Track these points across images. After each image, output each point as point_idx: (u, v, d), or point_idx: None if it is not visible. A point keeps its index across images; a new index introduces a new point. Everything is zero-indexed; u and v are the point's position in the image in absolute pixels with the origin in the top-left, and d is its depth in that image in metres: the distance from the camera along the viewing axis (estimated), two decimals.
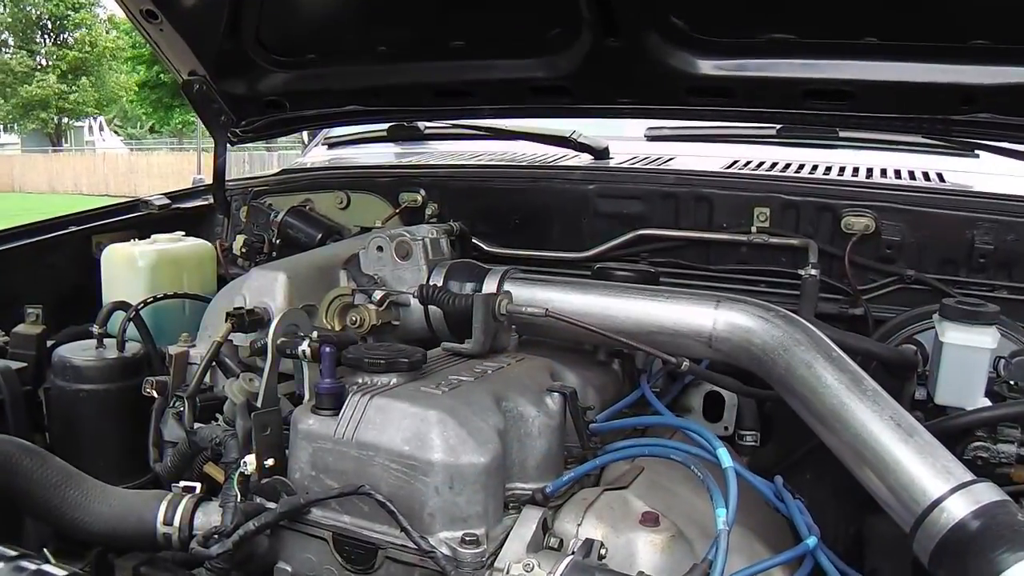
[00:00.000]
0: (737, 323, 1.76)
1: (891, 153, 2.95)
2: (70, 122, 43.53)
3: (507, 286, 1.97)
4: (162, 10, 2.60)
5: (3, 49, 41.16)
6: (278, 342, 1.66)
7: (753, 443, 2.33)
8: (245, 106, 2.97)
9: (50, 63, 40.64)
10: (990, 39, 2.07)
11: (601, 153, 2.94)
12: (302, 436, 1.49)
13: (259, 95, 2.93)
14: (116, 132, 49.96)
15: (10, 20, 40.28)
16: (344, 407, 1.47)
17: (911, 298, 2.34)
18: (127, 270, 2.60)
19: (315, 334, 1.61)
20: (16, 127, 44.51)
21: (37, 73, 40.03)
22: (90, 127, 45.60)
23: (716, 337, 1.78)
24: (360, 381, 1.54)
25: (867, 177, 2.69)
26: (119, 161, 35.06)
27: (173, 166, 31.79)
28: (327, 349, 1.49)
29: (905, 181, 2.65)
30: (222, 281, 2.85)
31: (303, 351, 1.60)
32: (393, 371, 1.53)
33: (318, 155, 3.81)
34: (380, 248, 2.07)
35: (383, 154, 3.58)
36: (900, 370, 2.08)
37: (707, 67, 2.37)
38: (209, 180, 3.19)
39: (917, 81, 2.22)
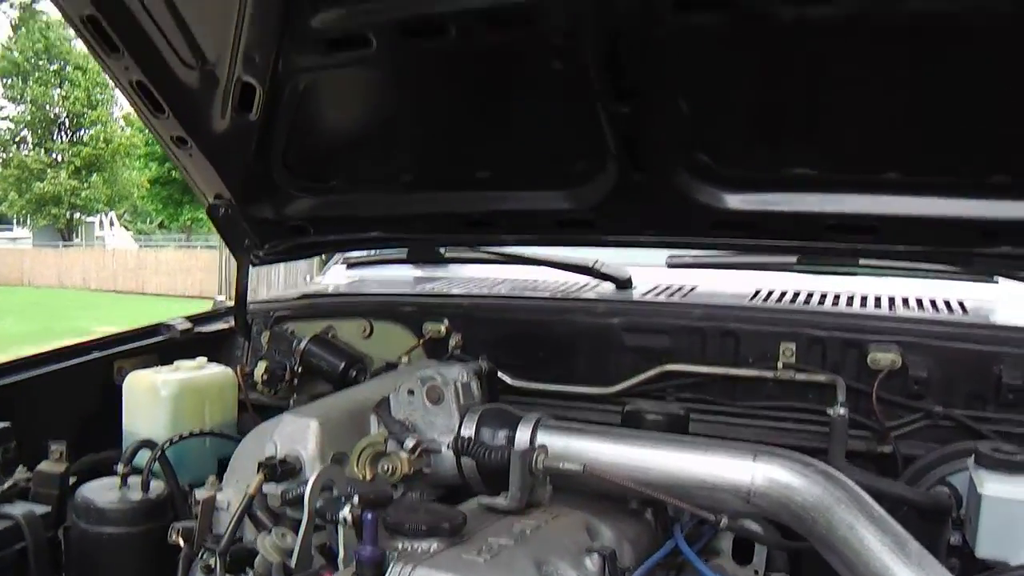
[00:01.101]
0: (776, 479, 1.74)
1: (911, 279, 2.97)
2: (81, 217, 44.12)
3: (540, 435, 1.96)
4: (192, 136, 2.65)
5: (21, 146, 42.01)
6: (316, 505, 1.64)
7: None
8: (269, 230, 3.00)
9: (65, 159, 41.41)
10: (1010, 175, 2.11)
11: (624, 283, 2.95)
12: None
13: (284, 219, 2.96)
14: (126, 227, 50.57)
15: (29, 119, 41.23)
16: None
17: (941, 435, 2.32)
18: (149, 399, 2.59)
19: (356, 498, 1.58)
20: (29, 221, 45.11)
21: (50, 170, 40.75)
22: (100, 222, 46.24)
23: (755, 492, 1.76)
24: (400, 547, 1.51)
25: (890, 307, 2.70)
26: (128, 257, 35.37)
27: (181, 263, 32.06)
28: (369, 516, 1.46)
29: (929, 313, 2.66)
30: (242, 407, 2.85)
31: (344, 517, 1.57)
32: (434, 536, 1.51)
33: (337, 274, 3.84)
34: (411, 392, 2.06)
35: (403, 277, 3.60)
36: (934, 515, 2.05)
37: (732, 201, 2.40)
38: (229, 300, 3.22)
39: (939, 216, 2.25)
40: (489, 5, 2.16)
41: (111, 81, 2.66)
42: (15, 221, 49.30)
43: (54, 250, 38.97)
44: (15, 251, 40.39)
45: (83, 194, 41.03)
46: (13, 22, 39.32)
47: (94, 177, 41.31)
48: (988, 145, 2.10)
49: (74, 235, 44.12)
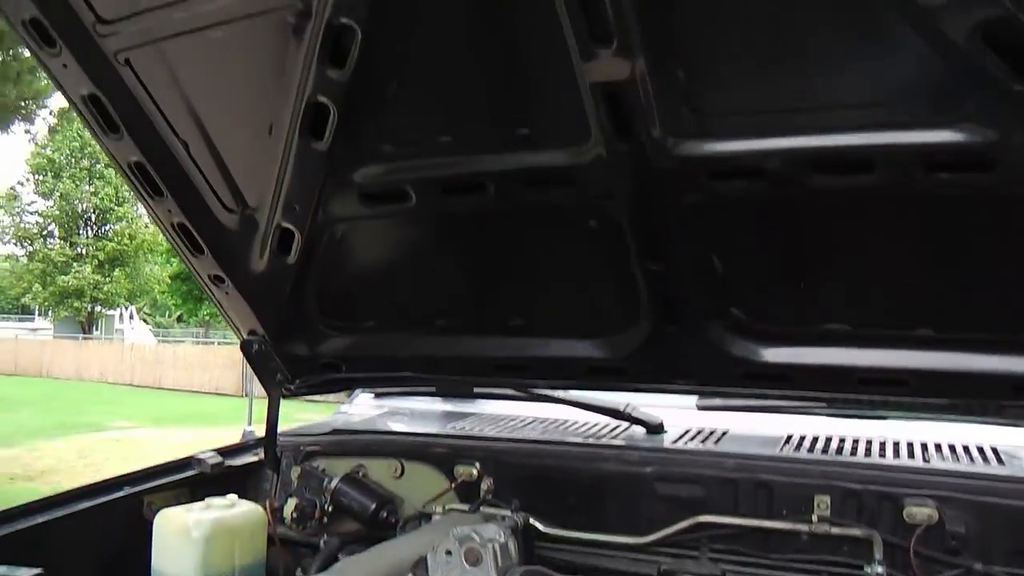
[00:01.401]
0: None
1: (942, 423, 2.96)
2: (102, 311, 44.59)
3: None
4: (229, 276, 2.72)
5: (48, 240, 42.79)
6: None
7: None
8: (302, 366, 3.04)
9: (89, 253, 42.09)
10: None
11: (655, 428, 2.96)
12: None
13: (317, 356, 3.00)
14: (145, 321, 51.02)
15: (58, 213, 42.10)
16: None
17: None
18: (180, 539, 2.59)
19: None
20: (51, 313, 45.57)
21: (75, 264, 41.39)
22: (121, 315, 46.66)
23: None
24: None
25: (924, 456, 2.69)
26: (146, 351, 35.58)
27: (199, 358, 32.20)
28: None
29: (964, 464, 2.63)
30: (271, 541, 2.84)
31: None
32: None
33: (364, 402, 3.86)
34: (449, 553, 2.06)
35: (432, 411, 3.61)
36: None
37: (765, 354, 2.43)
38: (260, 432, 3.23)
39: (970, 370, 2.26)
40: (529, 167, 2.24)
41: (153, 222, 2.75)
42: (37, 311, 49.82)
43: (74, 342, 39.28)
44: (36, 342, 40.70)
45: (105, 288, 41.59)
46: (51, 125, 40.50)
47: (117, 272, 41.92)
48: (1018, 303, 2.14)
49: (94, 327, 44.51)
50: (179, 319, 49.76)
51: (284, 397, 3.13)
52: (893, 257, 2.23)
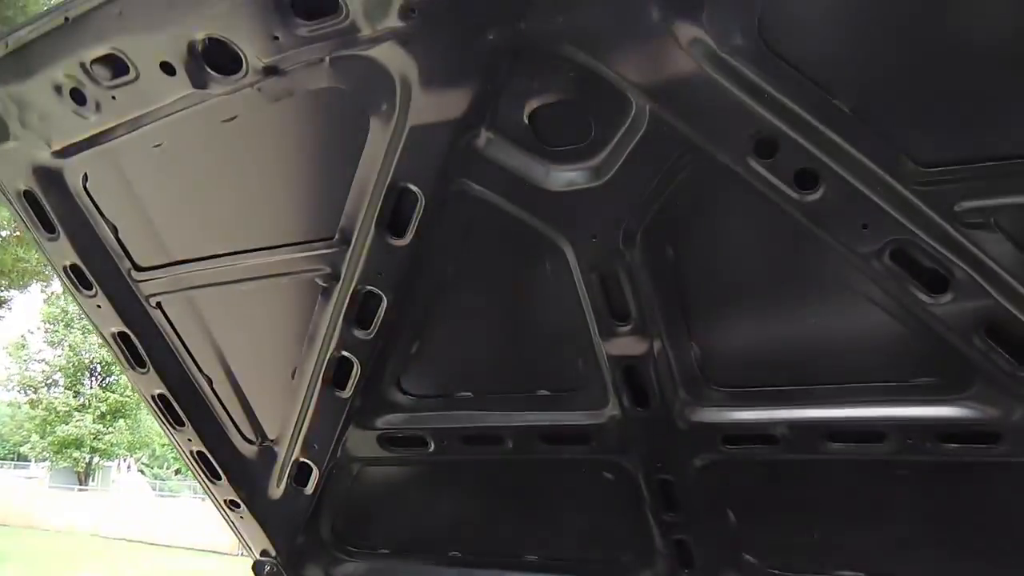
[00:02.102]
0: None
1: None
2: (100, 462, 43.96)
3: None
4: (245, 502, 2.73)
5: (52, 389, 42.65)
6: None
7: None
8: None
9: (92, 404, 41.86)
10: None
11: None
12: None
13: None
14: (142, 472, 50.26)
15: (64, 363, 42.13)
16: None
17: None
18: None
19: None
20: (49, 462, 44.94)
21: (77, 413, 41.12)
22: (118, 466, 46.03)
23: None
24: None
25: None
26: (141, 505, 34.81)
27: (194, 513, 31.43)
28: None
29: None
30: None
31: None
32: None
33: None
34: None
35: None
36: None
37: None
38: None
39: None
40: (546, 424, 2.29)
41: (174, 448, 2.78)
42: (32, 461, 49.12)
43: (69, 492, 38.47)
44: (28, 493, 39.89)
45: (106, 438, 41.13)
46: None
47: (119, 422, 41.59)
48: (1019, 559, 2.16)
49: (91, 479, 43.76)
50: (177, 472, 49.01)
51: None
52: (906, 513, 2.25)
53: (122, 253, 2.38)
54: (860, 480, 2.22)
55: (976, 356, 1.82)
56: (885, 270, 1.78)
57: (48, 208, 2.36)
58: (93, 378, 43.22)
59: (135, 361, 2.55)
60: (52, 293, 35.89)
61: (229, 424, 2.63)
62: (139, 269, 2.40)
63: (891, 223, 1.71)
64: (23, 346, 43.13)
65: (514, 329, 2.28)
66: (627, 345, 2.04)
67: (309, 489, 2.67)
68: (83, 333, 41.24)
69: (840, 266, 1.84)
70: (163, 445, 45.00)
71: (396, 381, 2.41)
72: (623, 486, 2.35)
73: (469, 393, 2.37)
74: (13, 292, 26.52)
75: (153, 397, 2.59)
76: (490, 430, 2.38)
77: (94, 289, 2.41)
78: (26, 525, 34.48)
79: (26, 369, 43.76)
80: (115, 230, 2.39)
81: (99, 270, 2.40)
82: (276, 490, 2.71)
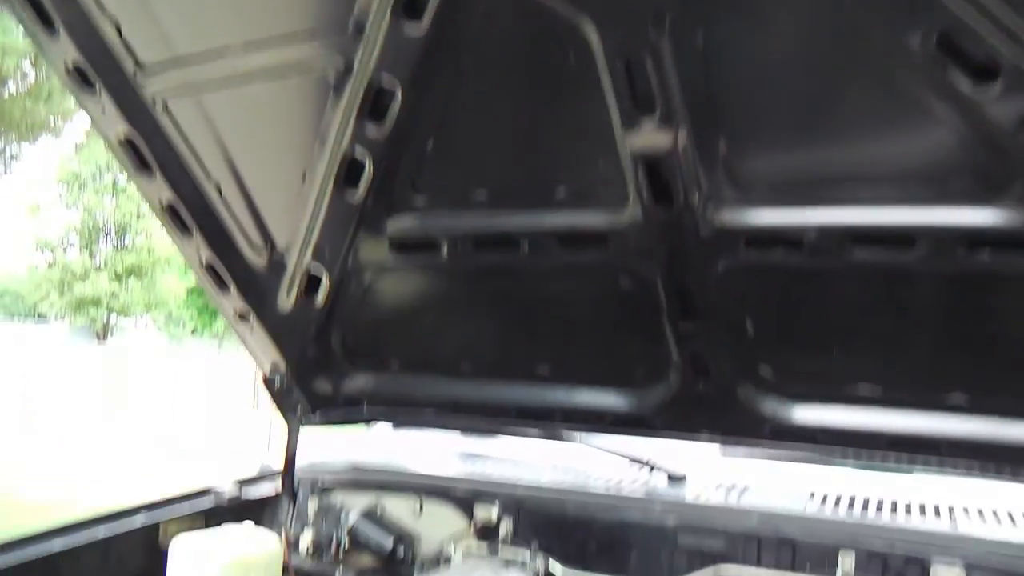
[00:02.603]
0: None
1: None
2: (117, 320, 44.70)
3: None
4: (255, 314, 2.71)
5: (68, 250, 43.00)
6: None
7: None
8: (323, 401, 3.04)
9: (108, 265, 42.27)
10: None
11: (678, 479, 2.92)
12: None
13: (339, 393, 3.00)
14: (159, 331, 51.06)
15: (79, 225, 42.32)
16: None
17: None
18: (196, 567, 2.57)
19: None
20: (68, 320, 45.74)
21: (93, 274, 41.58)
22: (135, 325, 46.71)
23: None
24: None
25: (951, 518, 2.64)
26: (156, 361, 35.49)
27: (208, 372, 32.06)
28: None
29: (993, 529, 2.58)
30: (286, 571, 2.81)
31: None
32: None
33: (382, 432, 3.83)
34: None
35: (450, 447, 3.59)
36: None
37: (793, 414, 2.42)
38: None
39: (1002, 440, 2.23)
40: (563, 227, 2.23)
41: (184, 258, 2.75)
42: (51, 318, 50.00)
43: (86, 348, 39.18)
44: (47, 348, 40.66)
45: (122, 298, 41.72)
46: (77, 143, 40.87)
47: (134, 283, 42.07)
48: None
49: (108, 335, 44.58)
50: (193, 331, 49.81)
51: (303, 424, 3.12)
52: (929, 325, 2.20)
53: (125, 52, 2.28)
54: (884, 293, 2.17)
55: (1018, 155, 1.73)
56: (929, 58, 1.67)
57: (44, 2, 2.26)
58: (108, 240, 43.47)
59: (141, 165, 2.48)
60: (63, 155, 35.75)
61: (237, 232, 2.59)
62: (144, 69, 2.31)
63: (938, 6, 1.60)
64: (38, 208, 43.24)
65: (533, 124, 2.19)
66: (651, 139, 1.95)
67: (319, 300, 2.65)
68: (97, 195, 41.29)
69: (880, 55, 1.73)
70: (179, 306, 45.61)
71: (410, 182, 2.34)
72: (640, 294, 2.31)
73: (485, 193, 2.30)
74: (24, 146, 26.37)
75: (160, 204, 2.54)
76: (505, 233, 2.32)
77: (97, 89, 2.33)
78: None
79: (42, 231, 44.03)
80: (117, 27, 2.29)
81: (102, 69, 2.31)
82: (286, 302, 2.68)
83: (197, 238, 2.59)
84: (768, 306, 2.27)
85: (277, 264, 2.61)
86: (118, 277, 41.93)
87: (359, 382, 2.93)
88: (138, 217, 41.84)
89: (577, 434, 2.93)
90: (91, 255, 42.53)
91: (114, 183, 41.51)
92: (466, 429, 3.30)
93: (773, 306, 2.28)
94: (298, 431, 3.08)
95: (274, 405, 3.07)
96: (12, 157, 26.96)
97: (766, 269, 2.18)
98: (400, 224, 2.43)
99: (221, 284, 2.68)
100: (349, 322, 2.75)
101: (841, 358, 2.33)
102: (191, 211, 2.54)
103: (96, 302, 41.71)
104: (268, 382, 2.94)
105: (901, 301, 2.17)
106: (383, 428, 3.87)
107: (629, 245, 2.20)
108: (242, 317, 2.75)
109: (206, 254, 2.62)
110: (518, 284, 2.52)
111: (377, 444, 3.68)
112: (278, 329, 2.77)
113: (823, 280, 2.17)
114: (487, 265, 2.46)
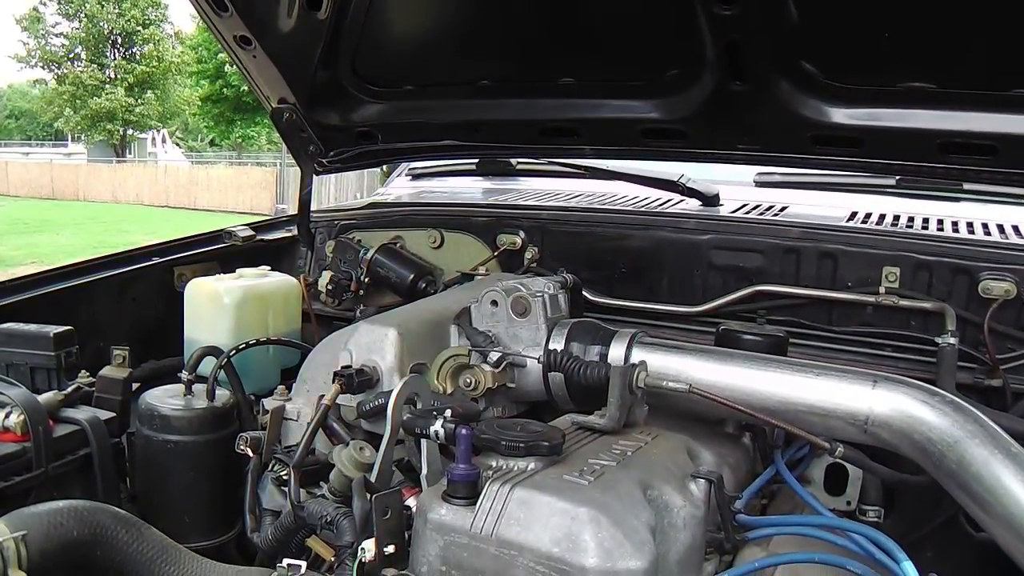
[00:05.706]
0: (899, 408, 1.59)
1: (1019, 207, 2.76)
2: (135, 134, 44.43)
3: (636, 352, 1.81)
4: (257, 37, 2.50)
5: (76, 63, 42.19)
6: (401, 418, 1.51)
7: (876, 519, 2.14)
8: (335, 136, 2.86)
9: (118, 76, 41.57)
10: None
11: (711, 200, 2.77)
12: (432, 527, 1.34)
13: (351, 125, 2.81)
14: (177, 144, 50.86)
15: (84, 35, 41.28)
16: (482, 497, 1.32)
17: None
18: (212, 307, 2.50)
19: (448, 412, 1.46)
20: (83, 137, 45.54)
21: (106, 86, 40.97)
22: (153, 139, 46.46)
23: (873, 421, 1.60)
24: (494, 465, 1.39)
25: (1001, 234, 2.50)
26: (180, 173, 35.51)
27: (232, 179, 32.10)
28: (464, 432, 1.33)
29: None
30: (305, 318, 2.75)
31: (436, 432, 1.45)
32: (532, 455, 1.38)
33: (401, 185, 3.70)
34: (495, 303, 1.92)
35: (472, 189, 3.45)
36: None
37: (837, 115, 2.21)
38: (292, 210, 3.10)
39: None
40: None
41: None
42: (69, 138, 49.82)
43: (108, 166, 39.29)
44: (71, 167, 40.76)
45: (136, 110, 41.29)
46: None
47: (147, 94, 41.50)
48: None
49: (127, 151, 44.50)
50: (211, 142, 49.52)
51: (317, 173, 2.98)
52: (993, 7, 1.94)
53: None
54: None
55: None
56: None
57: None
58: (116, 50, 42.52)
59: None
60: None
61: None
62: None
63: None
64: (38, 19, 42.07)
65: None
66: None
67: (323, 13, 2.41)
68: (99, 2, 40.04)
69: None
70: (194, 115, 45.20)
71: None
72: None
73: None
74: None
75: None
76: None
77: None
78: (72, 198, 35.61)
79: (46, 44, 43.06)
80: None
81: None
82: (288, 21, 2.45)
83: None
84: None
85: None
86: (130, 89, 41.29)
87: (371, 111, 2.73)
88: (144, 26, 40.83)
89: (605, 157, 2.76)
90: (100, 67, 41.75)
91: None
92: (486, 154, 3.13)
93: None
94: (312, 172, 2.95)
95: (285, 143, 2.92)
96: None
97: None
98: None
99: (219, 4, 2.44)
100: (357, 40, 2.51)
101: (891, 49, 2.08)
102: None
103: (111, 116, 41.35)
104: (276, 115, 2.76)
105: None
106: (400, 181, 3.75)
107: None
108: (243, 41, 2.53)
109: None
110: None
111: (394, 193, 3.56)
112: (282, 52, 2.55)
113: None
114: None
